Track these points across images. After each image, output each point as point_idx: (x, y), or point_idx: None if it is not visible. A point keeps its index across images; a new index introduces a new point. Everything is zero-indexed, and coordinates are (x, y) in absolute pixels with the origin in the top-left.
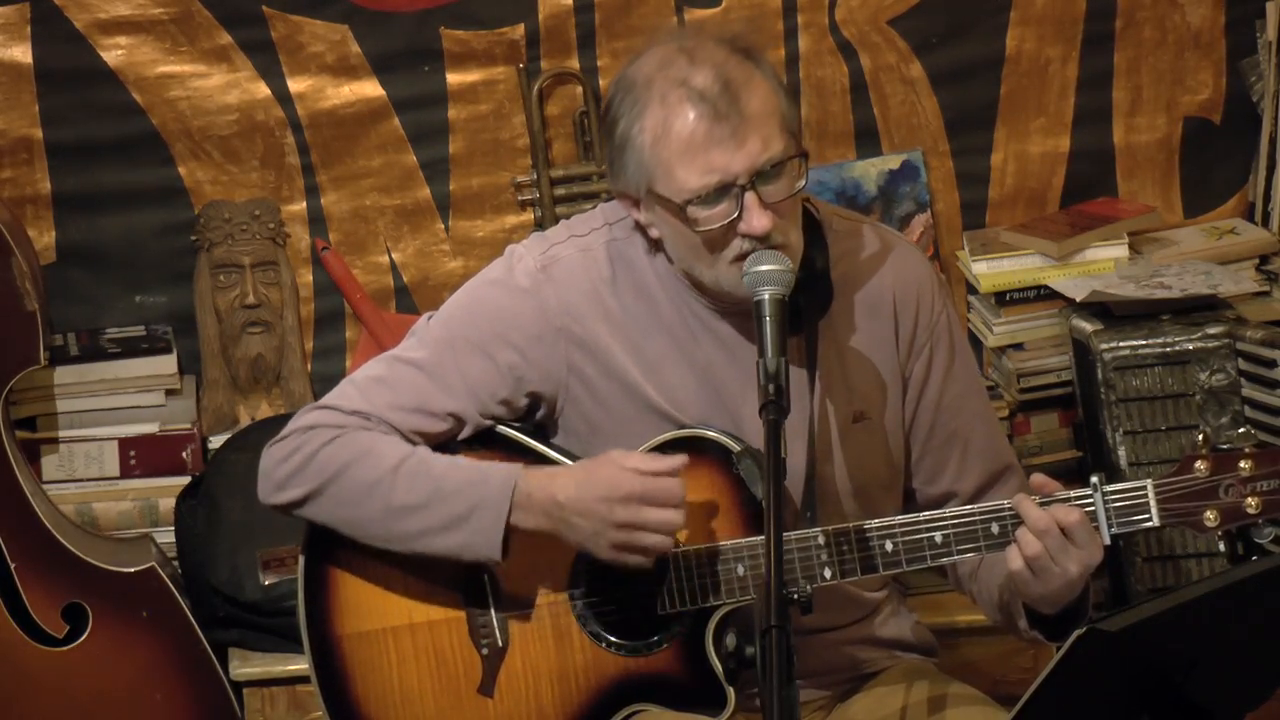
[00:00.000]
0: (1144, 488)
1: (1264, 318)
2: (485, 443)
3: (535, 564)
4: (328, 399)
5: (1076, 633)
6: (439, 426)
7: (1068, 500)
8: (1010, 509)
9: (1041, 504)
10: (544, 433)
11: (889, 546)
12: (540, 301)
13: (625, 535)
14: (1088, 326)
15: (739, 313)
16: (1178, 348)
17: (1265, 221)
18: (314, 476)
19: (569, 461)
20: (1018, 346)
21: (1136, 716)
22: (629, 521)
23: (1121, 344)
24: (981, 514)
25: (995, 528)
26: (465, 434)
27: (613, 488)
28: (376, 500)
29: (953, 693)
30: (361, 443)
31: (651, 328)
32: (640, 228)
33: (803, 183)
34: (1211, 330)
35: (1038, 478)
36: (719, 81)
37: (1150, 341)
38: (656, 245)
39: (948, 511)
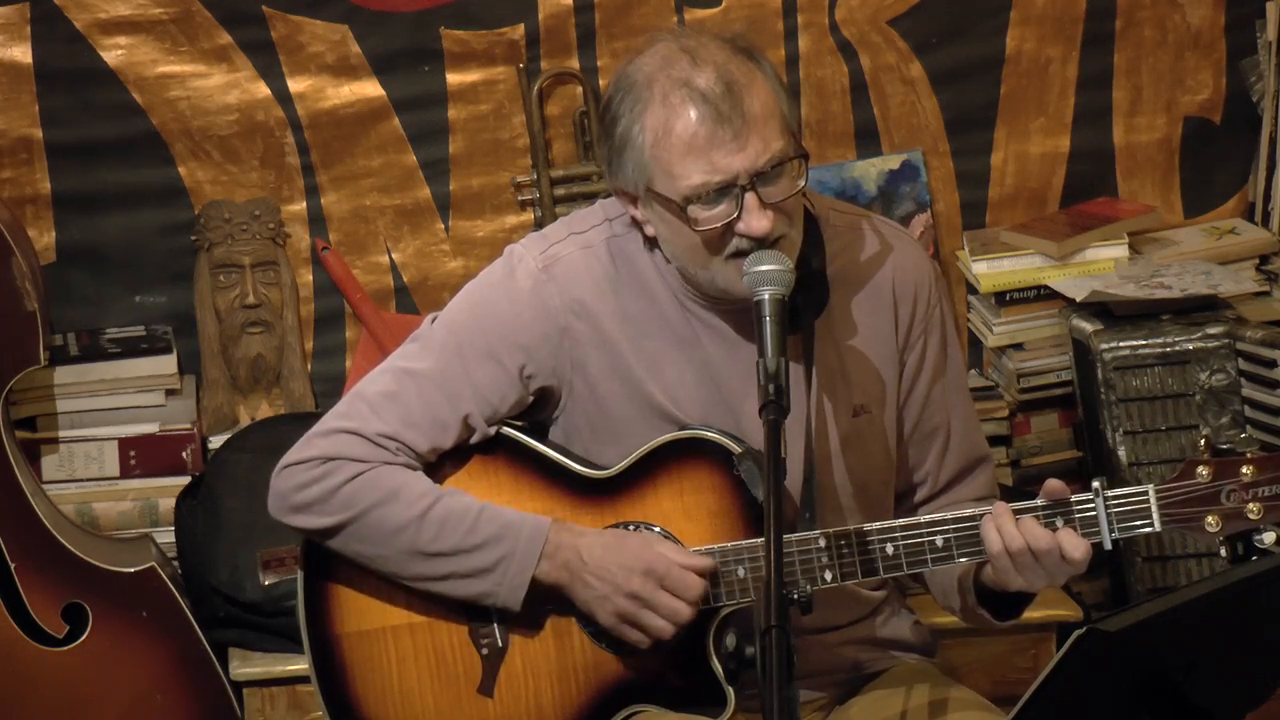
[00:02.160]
0: (1145, 493)
1: (1264, 318)
2: (491, 447)
3: None
4: (344, 419)
5: (1076, 633)
6: (452, 437)
7: (1069, 506)
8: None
9: (1045, 521)
10: (542, 429)
11: (889, 549)
12: (543, 301)
13: (633, 608)
14: (1088, 326)
15: (737, 310)
16: (1178, 348)
17: (1265, 221)
18: (336, 511)
19: (575, 464)
20: (1018, 346)
21: (1136, 716)
22: (641, 595)
23: (1121, 344)
24: (984, 519)
25: None
26: (475, 439)
27: (637, 559)
28: (401, 543)
29: (953, 696)
30: (386, 482)
31: (652, 325)
32: (637, 224)
33: (803, 182)
34: (1211, 330)
35: (1052, 483)
36: (721, 82)
37: (1150, 341)
38: (652, 242)
39: (948, 515)
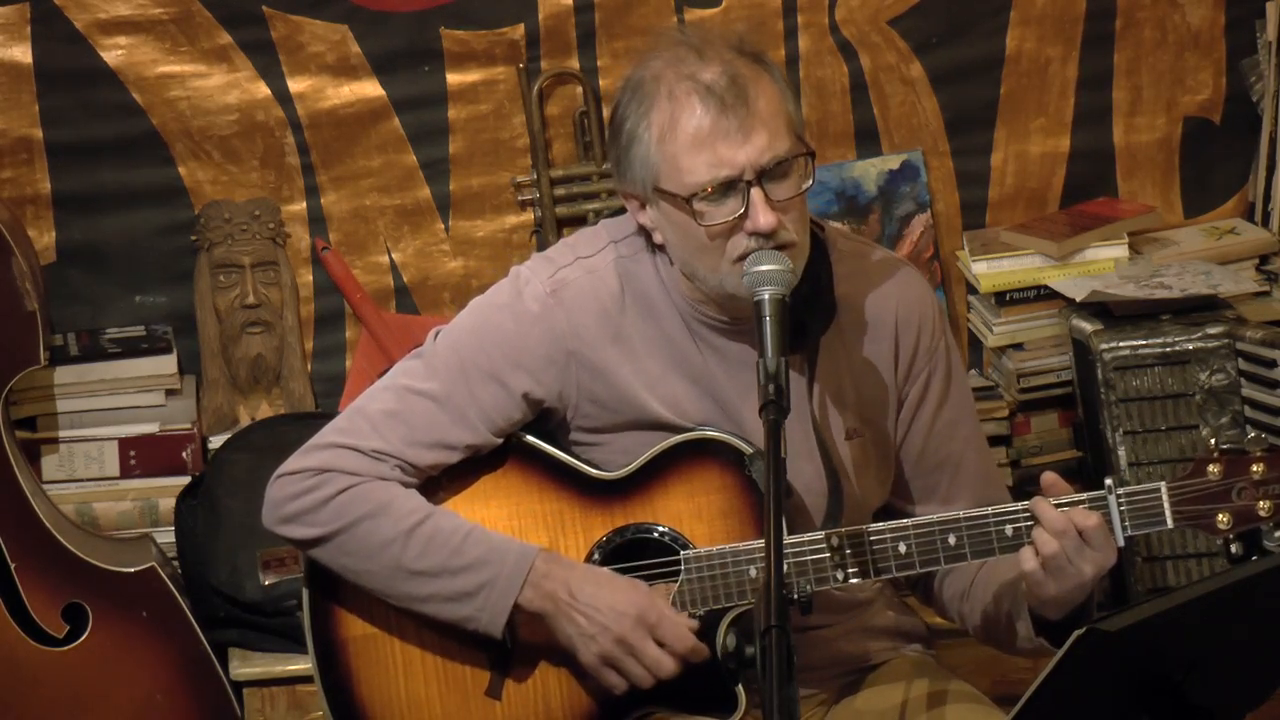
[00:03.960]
0: (1157, 490)
1: (1264, 318)
2: (500, 450)
3: None
4: (343, 434)
5: (1076, 633)
6: (455, 457)
7: (1081, 504)
8: (1024, 511)
9: (1055, 505)
10: (553, 438)
11: (902, 548)
12: (550, 326)
13: (619, 653)
14: (1088, 326)
15: (743, 331)
16: (1178, 348)
17: (1265, 221)
18: (325, 522)
19: (585, 466)
20: (1018, 346)
21: (1136, 716)
22: (629, 643)
23: (1121, 344)
24: (995, 516)
25: (1009, 530)
26: (483, 451)
27: (631, 605)
28: (386, 558)
29: (952, 689)
30: (377, 496)
31: (656, 343)
32: (644, 231)
33: (809, 182)
34: (1211, 330)
35: (1048, 476)
36: (726, 76)
37: (1150, 341)
38: (659, 250)
39: (960, 514)
